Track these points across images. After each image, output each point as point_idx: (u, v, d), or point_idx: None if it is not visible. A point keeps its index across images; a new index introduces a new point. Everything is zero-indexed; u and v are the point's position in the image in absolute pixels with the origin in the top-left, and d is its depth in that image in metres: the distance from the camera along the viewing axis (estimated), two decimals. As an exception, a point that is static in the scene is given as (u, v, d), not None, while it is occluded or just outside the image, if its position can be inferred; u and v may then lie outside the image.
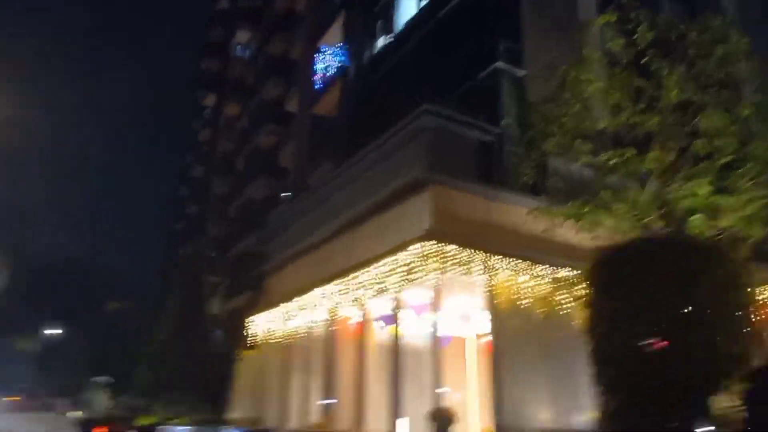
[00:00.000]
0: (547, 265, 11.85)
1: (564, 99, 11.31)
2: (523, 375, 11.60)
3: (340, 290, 14.20)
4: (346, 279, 13.67)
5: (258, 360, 19.92)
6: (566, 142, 11.47)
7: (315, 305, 15.53)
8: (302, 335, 17.02)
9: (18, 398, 42.89)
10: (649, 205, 10.68)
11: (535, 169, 12.17)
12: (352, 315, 15.12)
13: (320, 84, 24.91)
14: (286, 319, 17.58)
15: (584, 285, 7.13)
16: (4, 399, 34.43)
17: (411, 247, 11.28)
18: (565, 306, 11.94)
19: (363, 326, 14.50)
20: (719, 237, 10.67)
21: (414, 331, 13.98)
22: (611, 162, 10.98)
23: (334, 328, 15.43)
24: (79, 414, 23.55)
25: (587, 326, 6.48)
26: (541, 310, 11.75)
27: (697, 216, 10.38)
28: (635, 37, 10.81)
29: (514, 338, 11.73)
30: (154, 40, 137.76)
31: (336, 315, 15.14)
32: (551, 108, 11.60)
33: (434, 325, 13.44)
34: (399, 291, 12.45)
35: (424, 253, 11.08)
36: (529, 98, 13.03)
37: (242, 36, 40.54)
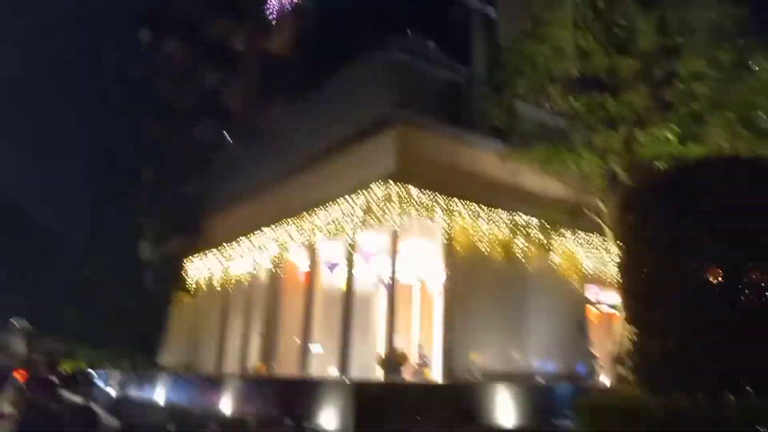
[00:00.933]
0: (508, 210, 11.59)
1: (537, 38, 10.95)
2: (475, 320, 11.43)
3: (290, 233, 13.55)
4: (299, 220, 13.02)
5: (195, 305, 19.09)
6: (537, 83, 11.16)
7: (261, 249, 14.83)
8: (244, 280, 16.33)
9: None
10: (618, 151, 10.57)
11: (504, 112, 11.83)
12: (299, 260, 14.53)
13: (273, 20, 23.51)
14: (227, 263, 16.83)
15: (623, 213, 6.22)
16: None
17: (373, 188, 10.75)
18: (520, 252, 11.82)
19: (311, 271, 13.93)
20: None
21: (364, 277, 13.57)
22: (581, 106, 10.75)
23: (279, 273, 14.79)
24: (-5, 358, 21.99)
25: (624, 259, 5.80)
26: (497, 255, 11.55)
27: (662, 163, 10.34)
28: None
29: (468, 284, 11.52)
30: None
31: (282, 260, 14.50)
32: (524, 46, 11.21)
33: (386, 271, 13.11)
34: (354, 235, 11.93)
35: (386, 195, 10.57)
36: (500, 40, 12.56)
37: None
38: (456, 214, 11.05)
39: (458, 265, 11.40)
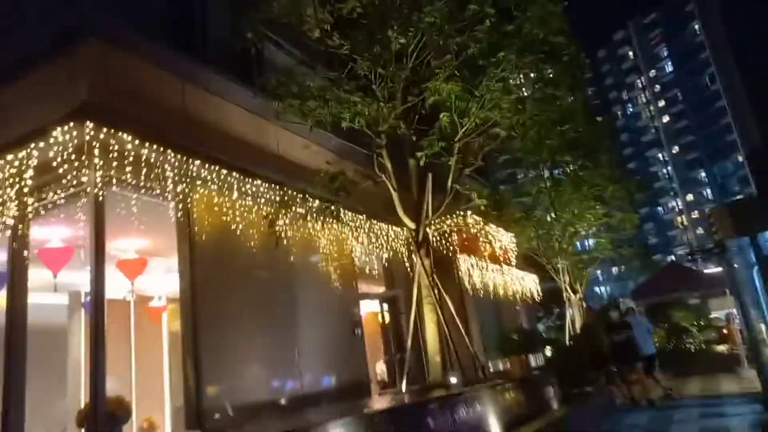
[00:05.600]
0: (270, 182, 8.45)
1: None
2: (228, 337, 8.01)
3: None
4: None
5: None
6: (285, 17, 8.74)
7: None
8: None
9: None
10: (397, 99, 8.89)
11: (249, 45, 8.93)
12: None
13: None
14: None
15: None
16: None
17: (54, 134, 6.38)
18: (286, 239, 8.86)
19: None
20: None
21: (44, 293, 8.89)
22: (344, 49, 8.72)
23: None
24: None
25: None
26: (255, 245, 8.37)
27: (445, 114, 8.93)
28: None
29: (217, 287, 8.05)
30: None
31: None
32: None
33: (86, 281, 8.76)
34: (22, 222, 7.32)
35: (77, 144, 6.38)
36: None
37: None
38: (198, 181, 7.45)
39: (200, 261, 7.81)
